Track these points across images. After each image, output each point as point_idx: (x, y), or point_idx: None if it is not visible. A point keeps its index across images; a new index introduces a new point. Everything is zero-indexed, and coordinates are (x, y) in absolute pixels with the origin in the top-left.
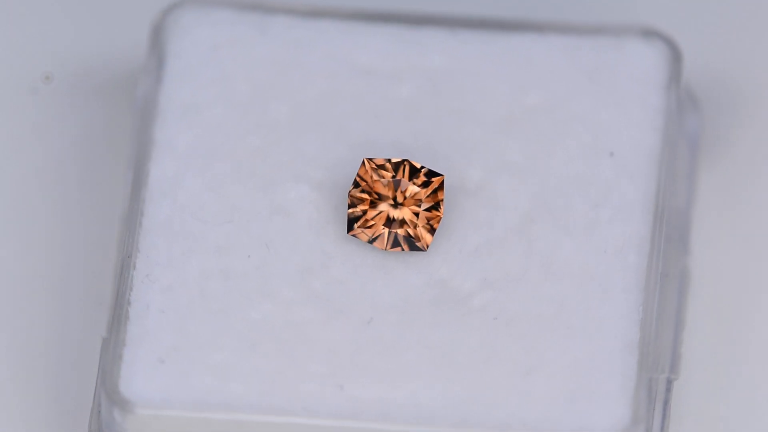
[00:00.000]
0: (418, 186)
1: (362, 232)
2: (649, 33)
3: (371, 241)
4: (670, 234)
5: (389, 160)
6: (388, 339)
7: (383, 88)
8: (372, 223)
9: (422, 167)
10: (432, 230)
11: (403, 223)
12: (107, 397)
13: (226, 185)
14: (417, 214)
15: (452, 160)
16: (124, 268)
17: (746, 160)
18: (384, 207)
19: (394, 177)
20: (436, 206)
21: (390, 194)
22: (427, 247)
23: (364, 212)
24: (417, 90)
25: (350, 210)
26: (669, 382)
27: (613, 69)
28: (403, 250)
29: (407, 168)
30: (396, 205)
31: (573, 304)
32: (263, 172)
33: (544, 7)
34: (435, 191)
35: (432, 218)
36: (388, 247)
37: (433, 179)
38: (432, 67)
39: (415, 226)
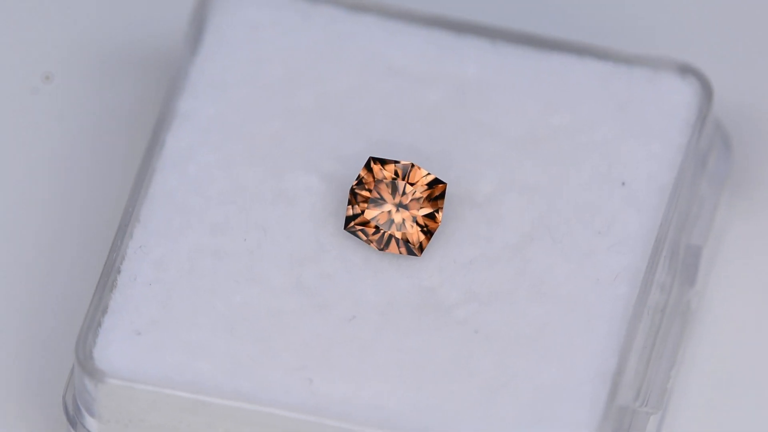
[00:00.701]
0: (420, 191)
1: (358, 229)
2: (684, 69)
3: (366, 240)
4: (677, 269)
5: (396, 162)
6: (366, 338)
7: (411, 90)
8: (370, 221)
9: (428, 173)
10: (428, 237)
11: (400, 226)
12: (80, 364)
13: (237, 165)
14: (414, 219)
15: (464, 171)
16: (118, 234)
17: None
18: (384, 208)
19: (396, 179)
20: (435, 213)
21: (391, 195)
22: (421, 252)
23: (364, 210)
24: (444, 97)
25: (349, 206)
26: (646, 416)
27: (644, 100)
28: (398, 252)
29: (412, 172)
30: (396, 207)
31: (555, 327)
32: (276, 157)
33: (583, 29)
34: (436, 198)
35: (429, 225)
36: (383, 247)
37: (435, 186)
38: (464, 75)
39: (412, 231)
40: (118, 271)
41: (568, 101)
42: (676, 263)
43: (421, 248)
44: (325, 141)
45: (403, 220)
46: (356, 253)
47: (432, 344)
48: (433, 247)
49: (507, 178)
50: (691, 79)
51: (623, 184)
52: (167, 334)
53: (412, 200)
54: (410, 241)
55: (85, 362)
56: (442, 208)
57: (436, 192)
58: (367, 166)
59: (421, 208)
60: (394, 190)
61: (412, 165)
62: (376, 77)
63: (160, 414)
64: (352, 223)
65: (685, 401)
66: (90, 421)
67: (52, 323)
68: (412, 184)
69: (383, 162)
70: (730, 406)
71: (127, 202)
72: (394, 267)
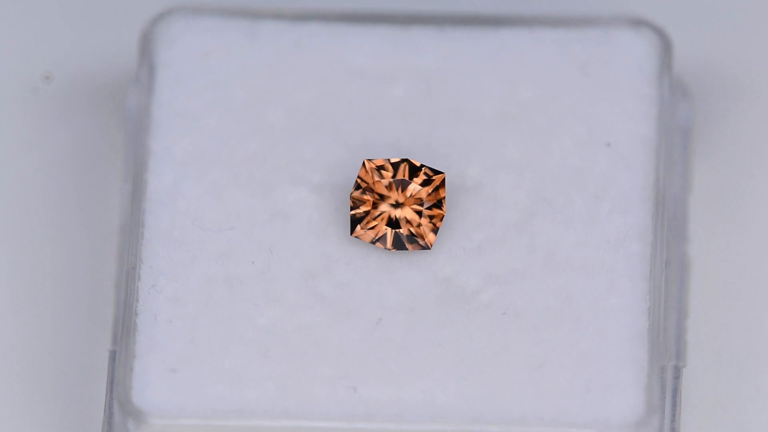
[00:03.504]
0: (419, 185)
1: (365, 233)
2: (637, 23)
3: (374, 242)
4: (668, 222)
5: (389, 160)
6: (398, 339)
7: (377, 88)
8: (374, 223)
9: (422, 166)
10: (435, 229)
11: (406, 222)
12: (120, 409)
13: (225, 191)
14: (419, 213)
15: (450, 159)
16: (129, 279)
17: (740, 148)
18: (386, 207)
19: (394, 177)
20: (438, 204)
21: (392, 194)
22: (431, 245)
23: (367, 213)
24: (410, 90)
25: (352, 211)
26: (677, 370)
27: (604, 60)
28: (406, 249)
29: (407, 167)
30: (398, 204)
31: (579, 296)
32: (261, 176)
33: (531, 1)
34: (437, 189)
35: (435, 216)
36: (392, 247)
37: (434, 177)
38: (424, 66)
39: (419, 225)
40: (136, 314)
41: (529, 74)
42: (667, 216)
43: (430, 241)
44: (305, 153)
45: (408, 216)
46: (366, 257)
47: (464, 333)
48: (439, 238)
49: (491, 159)
50: (645, 31)
51: (608, 145)
52: (202, 367)
53: (413, 195)
54: (417, 235)
55: (126, 406)
56: (444, 198)
57: (435, 182)
58: (363, 169)
59: (424, 201)
60: (393, 188)
61: (407, 160)
62: (339, 82)
63: None
64: (359, 228)
65: (701, 352)
66: None
67: (71, 369)
68: (410, 180)
69: (377, 163)
70: (743, 356)
71: (128, 246)
72: (406, 264)
